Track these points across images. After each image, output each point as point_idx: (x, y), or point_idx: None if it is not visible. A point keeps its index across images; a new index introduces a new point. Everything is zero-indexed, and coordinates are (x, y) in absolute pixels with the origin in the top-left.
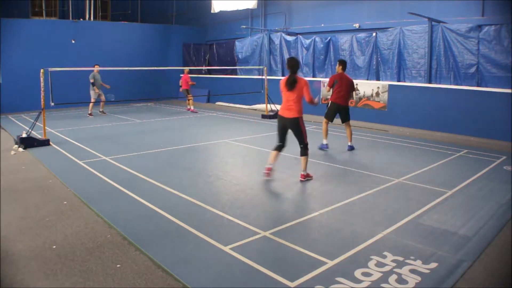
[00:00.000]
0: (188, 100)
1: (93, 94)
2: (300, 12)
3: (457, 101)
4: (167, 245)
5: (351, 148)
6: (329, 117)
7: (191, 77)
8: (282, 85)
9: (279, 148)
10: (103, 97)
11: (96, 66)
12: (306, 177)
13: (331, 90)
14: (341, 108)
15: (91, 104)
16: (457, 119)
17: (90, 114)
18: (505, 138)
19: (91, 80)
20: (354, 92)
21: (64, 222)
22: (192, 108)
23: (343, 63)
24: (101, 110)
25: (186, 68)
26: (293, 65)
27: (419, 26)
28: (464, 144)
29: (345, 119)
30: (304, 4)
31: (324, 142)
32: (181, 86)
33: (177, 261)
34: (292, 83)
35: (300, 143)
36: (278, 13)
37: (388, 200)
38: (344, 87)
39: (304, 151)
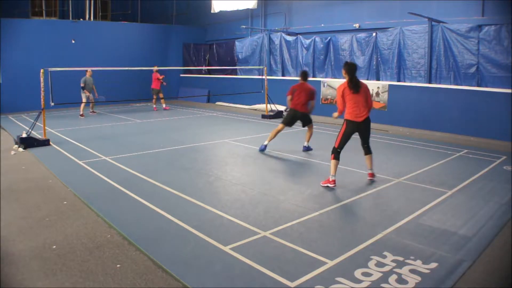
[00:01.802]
0: (158, 99)
1: (83, 96)
2: (300, 12)
3: (457, 101)
4: (167, 245)
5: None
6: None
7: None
8: (345, 90)
9: (339, 155)
10: (91, 97)
11: (88, 70)
12: (373, 176)
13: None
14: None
15: (82, 105)
16: (457, 119)
17: (82, 115)
18: (505, 138)
19: (82, 84)
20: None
21: (64, 222)
22: (162, 105)
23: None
24: (91, 110)
25: (155, 67)
26: (352, 69)
27: (419, 26)
28: (464, 144)
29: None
30: (304, 4)
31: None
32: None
33: (177, 261)
34: (357, 85)
35: (365, 143)
36: (278, 13)
37: (388, 200)
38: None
39: (370, 150)
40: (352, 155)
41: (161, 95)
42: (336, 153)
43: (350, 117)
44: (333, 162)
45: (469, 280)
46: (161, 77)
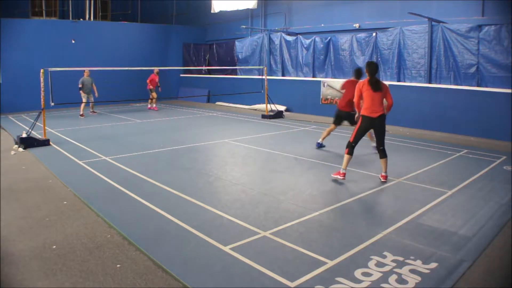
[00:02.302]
0: (152, 99)
1: (83, 96)
2: (300, 12)
3: (457, 101)
4: (167, 245)
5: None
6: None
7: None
8: (364, 87)
9: (353, 150)
10: (91, 98)
11: (86, 71)
12: (386, 178)
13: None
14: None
15: (82, 105)
16: (457, 119)
17: (82, 115)
18: (505, 138)
19: (79, 85)
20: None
21: (64, 222)
22: (155, 106)
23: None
24: (92, 110)
25: (156, 69)
26: (373, 69)
27: (419, 26)
28: (464, 144)
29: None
30: (304, 4)
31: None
32: (148, 84)
33: (177, 261)
34: (376, 84)
35: (381, 145)
36: (278, 13)
37: (388, 200)
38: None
39: (385, 153)
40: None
41: (154, 95)
42: (351, 148)
43: (366, 113)
44: (346, 156)
45: (469, 280)
46: (156, 80)
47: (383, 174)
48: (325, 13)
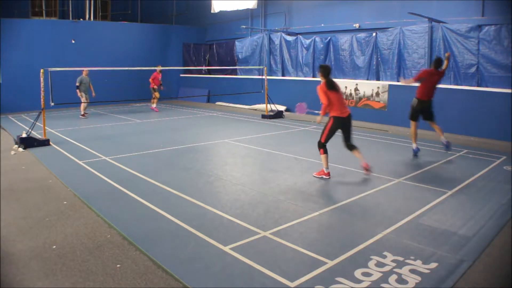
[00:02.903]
0: (154, 98)
1: (80, 96)
2: (300, 12)
3: (457, 101)
4: (167, 245)
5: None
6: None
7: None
8: (328, 91)
9: (326, 149)
10: (87, 98)
11: (84, 70)
12: (368, 167)
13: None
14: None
15: (82, 105)
16: (457, 119)
17: (83, 115)
18: (505, 138)
19: (77, 84)
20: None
21: (64, 222)
22: (155, 106)
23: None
24: (82, 114)
25: (159, 67)
26: (328, 70)
27: (419, 26)
28: (464, 144)
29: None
30: (304, 4)
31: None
32: (152, 83)
33: (177, 261)
34: (334, 84)
35: (348, 140)
36: (278, 13)
37: (388, 200)
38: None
39: (354, 145)
40: (351, 155)
41: (157, 95)
42: (324, 147)
43: (336, 114)
44: (324, 156)
45: (469, 280)
46: (159, 78)
47: (364, 162)
48: (325, 13)
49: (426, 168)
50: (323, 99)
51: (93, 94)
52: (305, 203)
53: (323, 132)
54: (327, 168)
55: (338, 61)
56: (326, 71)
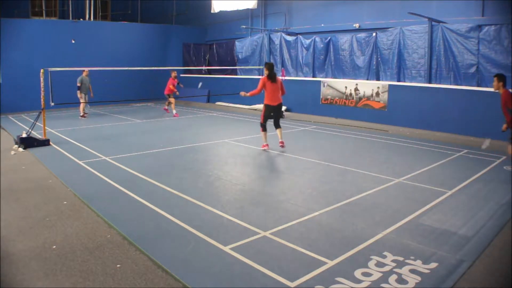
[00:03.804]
0: (168, 103)
1: (80, 97)
2: (300, 12)
3: (457, 101)
4: (167, 245)
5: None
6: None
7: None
8: (266, 81)
9: (266, 127)
10: (86, 98)
11: (85, 70)
12: (283, 144)
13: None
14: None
15: (81, 106)
16: (457, 119)
17: (83, 116)
18: (505, 138)
19: (78, 84)
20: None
21: (64, 222)
22: (167, 108)
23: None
24: (82, 114)
25: (174, 72)
26: (271, 66)
27: (419, 26)
28: (464, 144)
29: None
30: (304, 4)
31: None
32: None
33: (177, 261)
34: (275, 77)
35: (277, 122)
36: (278, 13)
37: (388, 200)
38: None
39: (279, 125)
40: (352, 155)
41: (172, 100)
42: (263, 126)
43: (268, 102)
44: (263, 133)
45: (469, 280)
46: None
47: (281, 141)
48: (325, 13)
49: (426, 168)
50: (259, 87)
51: (91, 95)
52: (305, 203)
53: (261, 116)
54: (265, 141)
55: (338, 61)
56: (270, 66)
